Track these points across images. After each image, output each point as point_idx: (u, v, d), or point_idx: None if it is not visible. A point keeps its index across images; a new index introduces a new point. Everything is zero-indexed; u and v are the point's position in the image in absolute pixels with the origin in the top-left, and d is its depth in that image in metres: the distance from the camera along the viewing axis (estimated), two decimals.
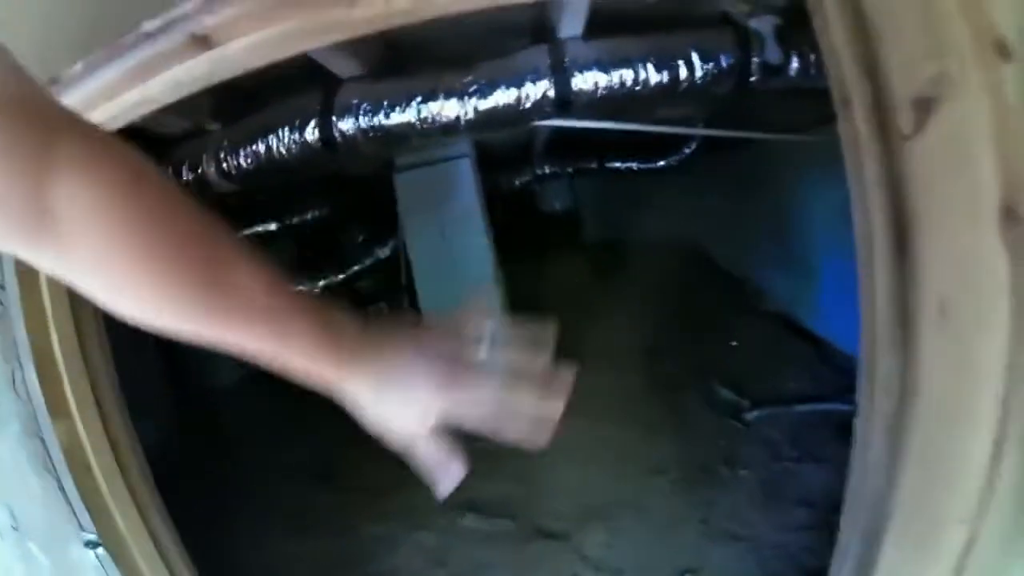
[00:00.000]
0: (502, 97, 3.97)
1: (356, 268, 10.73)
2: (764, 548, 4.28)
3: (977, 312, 1.26)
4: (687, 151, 9.20)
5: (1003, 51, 1.13)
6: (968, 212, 1.23)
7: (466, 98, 3.98)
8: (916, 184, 1.36)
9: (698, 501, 4.87)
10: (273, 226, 10.20)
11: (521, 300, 8.16)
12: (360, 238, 11.26)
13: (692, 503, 4.86)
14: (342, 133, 4.16)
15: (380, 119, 4.07)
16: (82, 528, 2.32)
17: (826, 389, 6.23)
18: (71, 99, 2.01)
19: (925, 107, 1.29)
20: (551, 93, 3.95)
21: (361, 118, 4.09)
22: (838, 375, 6.48)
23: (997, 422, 1.27)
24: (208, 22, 1.83)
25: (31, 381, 2.17)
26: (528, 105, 3.99)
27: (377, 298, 11.27)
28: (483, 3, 1.91)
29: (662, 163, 9.85)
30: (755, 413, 6.08)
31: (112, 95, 2.00)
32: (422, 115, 4.03)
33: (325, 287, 10.63)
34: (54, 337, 2.23)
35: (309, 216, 10.28)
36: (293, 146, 4.30)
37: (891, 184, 1.44)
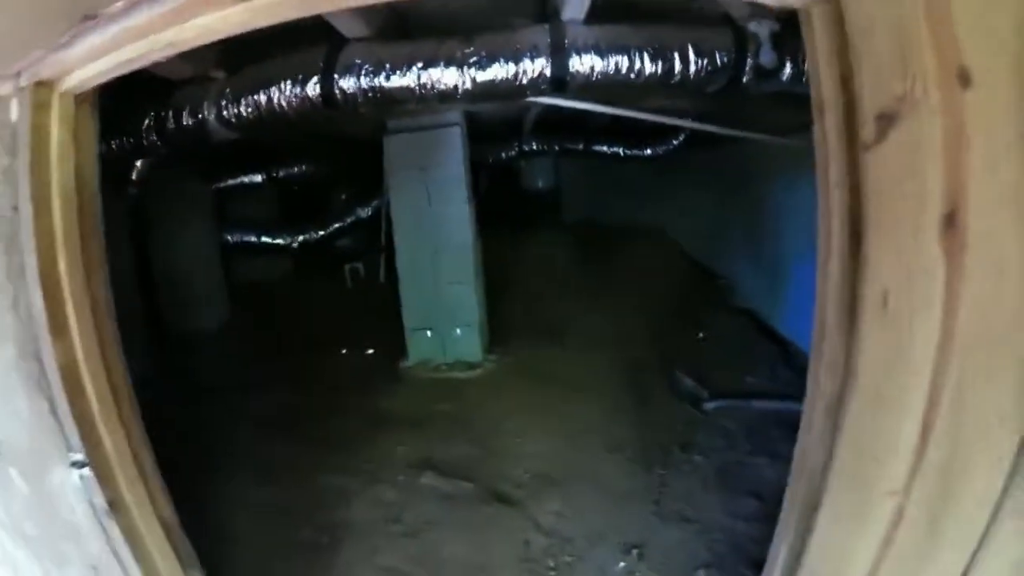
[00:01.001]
0: (500, 71, 4.06)
1: (336, 226, 10.81)
2: (712, 532, 4.38)
3: (913, 307, 1.40)
4: (674, 143, 9.28)
5: (965, 79, 1.27)
6: (914, 217, 1.38)
7: (465, 68, 4.08)
8: (871, 189, 1.50)
9: (652, 481, 5.00)
10: (259, 177, 10.36)
11: (497, 273, 8.46)
12: (343, 197, 11.40)
13: (646, 482, 4.98)
14: (343, 91, 4.24)
15: (381, 81, 4.16)
16: (70, 448, 2.37)
17: (786, 389, 6.36)
18: (106, 35, 2.10)
19: (887, 122, 1.43)
20: (548, 72, 4.05)
21: (363, 78, 4.18)
22: (799, 376, 6.53)
23: (926, 406, 1.42)
24: None
25: (36, 303, 2.25)
26: (525, 81, 4.09)
27: (354, 257, 11.43)
28: None
29: (648, 151, 9.91)
30: (714, 404, 6.20)
31: (146, 34, 2.08)
32: (422, 80, 4.12)
33: (304, 242, 10.72)
34: (62, 262, 2.29)
35: (295, 170, 10.40)
36: (294, 100, 4.37)
37: (851, 186, 1.58)
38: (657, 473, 5.10)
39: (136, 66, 2.26)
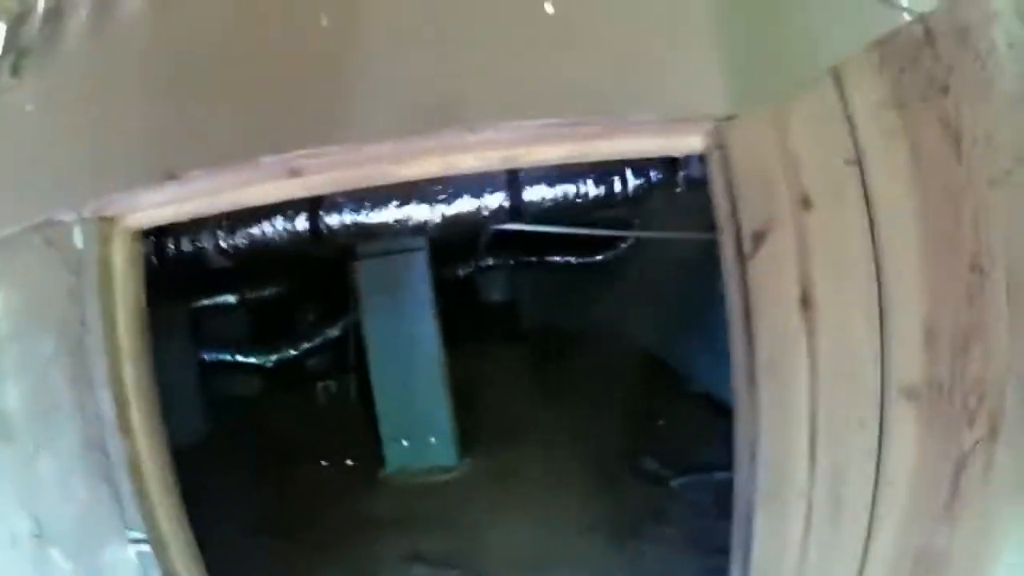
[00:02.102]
0: (465, 205, 4.67)
1: (307, 345, 11.12)
2: None
3: (789, 369, 2.03)
4: (622, 246, 10.04)
5: (806, 203, 1.93)
6: (780, 302, 2.02)
7: (435, 204, 4.68)
8: (753, 285, 2.14)
9: (628, 553, 5.41)
10: (232, 299, 10.82)
11: (462, 385, 8.71)
12: (311, 317, 11.81)
13: (622, 555, 5.39)
14: (328, 226, 4.82)
15: (361, 218, 4.74)
16: (127, 527, 2.72)
17: None
18: (180, 190, 2.59)
19: (760, 238, 2.09)
20: (506, 203, 4.64)
21: (345, 215, 4.75)
22: None
23: (809, 426, 2.02)
24: (303, 163, 2.49)
25: (104, 405, 2.66)
26: (486, 212, 4.69)
27: (325, 375, 11.69)
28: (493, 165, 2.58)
29: (599, 258, 10.64)
30: (679, 480, 6.60)
31: (211, 194, 2.62)
32: (397, 216, 4.70)
33: (278, 360, 11.03)
34: (127, 370, 2.74)
35: (267, 292, 10.96)
36: (285, 233, 4.95)
37: (741, 287, 2.22)
38: (631, 546, 5.50)
39: (192, 218, 2.77)
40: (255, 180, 2.59)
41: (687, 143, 2.45)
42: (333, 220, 4.82)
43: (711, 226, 6.85)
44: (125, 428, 2.75)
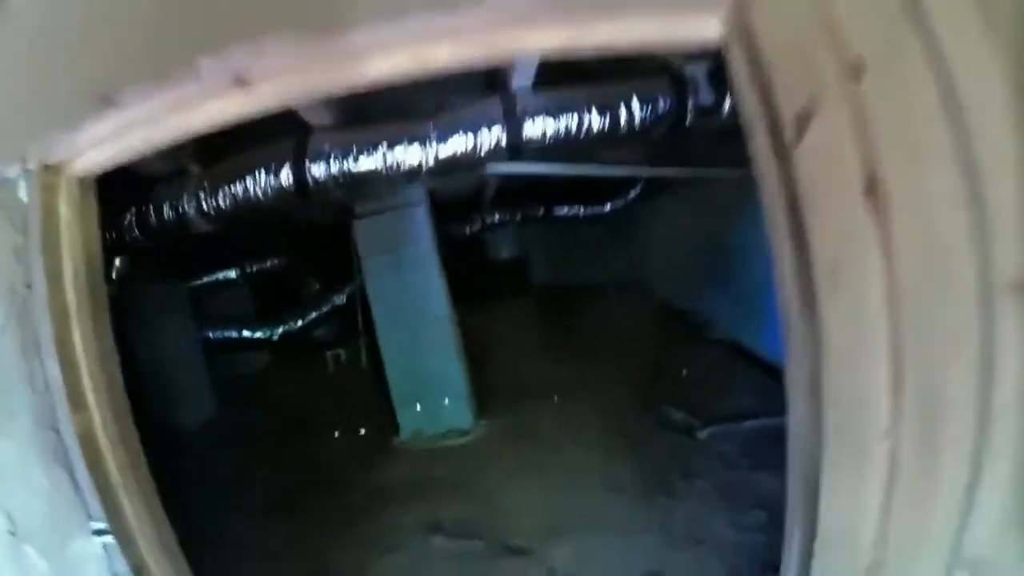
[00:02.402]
0: (460, 143, 4.30)
1: (314, 315, 10.90)
2: (724, 548, 4.51)
3: (858, 267, 1.62)
4: (632, 195, 9.59)
5: (858, 69, 1.52)
6: (840, 192, 1.61)
7: (428, 144, 4.31)
8: (803, 179, 1.73)
9: (657, 511, 5.12)
10: (233, 273, 10.69)
11: (474, 344, 8.51)
12: (316, 287, 11.65)
13: (651, 514, 5.10)
14: (314, 178, 4.47)
15: (349, 164, 4.39)
16: (91, 517, 2.43)
17: (776, 406, 6.37)
18: (119, 119, 2.27)
19: (804, 120, 1.68)
20: (504, 139, 4.29)
21: (332, 163, 4.41)
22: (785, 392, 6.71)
23: (890, 350, 1.61)
24: (249, 67, 2.12)
25: (52, 375, 2.33)
26: (483, 151, 4.33)
27: (334, 345, 11.59)
28: (474, 57, 2.19)
29: (607, 207, 10.20)
30: (707, 431, 6.32)
31: (154, 122, 2.28)
32: (388, 161, 4.35)
33: (285, 332, 10.80)
34: (76, 334, 2.38)
35: (268, 264, 10.78)
36: (269, 189, 4.59)
37: (786, 182, 1.81)
38: (660, 504, 5.21)
39: (139, 154, 2.42)
40: (197, 97, 2.24)
41: (702, 25, 2.04)
42: (319, 170, 4.46)
43: (727, 161, 6.68)
44: (76, 402, 2.41)
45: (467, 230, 11.10)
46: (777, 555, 2.76)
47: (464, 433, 7.52)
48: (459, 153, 4.34)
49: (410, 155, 4.34)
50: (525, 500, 5.70)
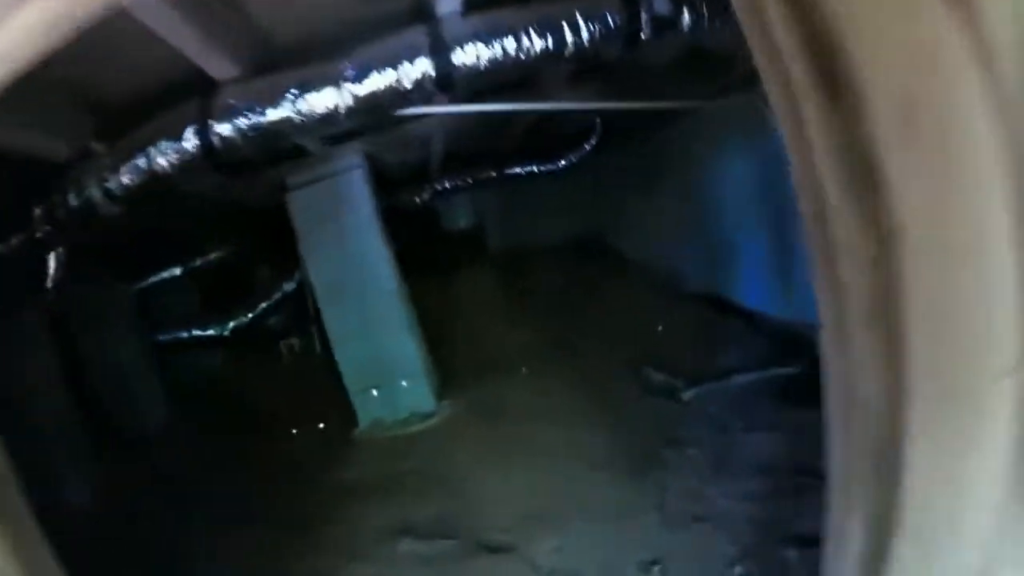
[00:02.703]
0: (380, 80, 3.70)
1: (264, 305, 10.37)
2: (730, 523, 3.99)
3: (943, 100, 0.99)
4: (586, 147, 9.06)
5: None
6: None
7: (342, 84, 3.71)
8: None
9: (648, 489, 4.57)
10: (178, 271, 10.19)
11: (431, 319, 8.04)
12: (266, 275, 11.09)
13: (643, 491, 4.56)
14: (221, 137, 3.87)
15: (257, 118, 3.80)
16: None
17: (761, 358, 6.12)
18: None
19: None
20: (431, 71, 3.69)
21: (238, 119, 3.83)
22: (771, 342, 6.39)
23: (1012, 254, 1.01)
24: None
25: None
26: (408, 85, 3.72)
27: (287, 333, 11.16)
28: None
29: (563, 163, 9.64)
30: (692, 392, 5.86)
31: None
32: (299, 107, 3.76)
33: (236, 327, 10.30)
34: None
35: (212, 257, 10.26)
36: (174, 157, 4.00)
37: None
38: (652, 478, 4.68)
39: None
40: None
41: None
42: (225, 128, 3.87)
43: (691, 95, 6.14)
44: None
45: (417, 199, 10.46)
46: (794, 525, 2.98)
47: (427, 417, 7.01)
48: (380, 90, 3.74)
49: (324, 98, 3.75)
50: (501, 488, 5.17)
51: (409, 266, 7.66)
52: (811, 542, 3.34)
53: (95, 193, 4.29)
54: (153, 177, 4.11)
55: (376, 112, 3.86)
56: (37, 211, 4.60)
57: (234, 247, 10.44)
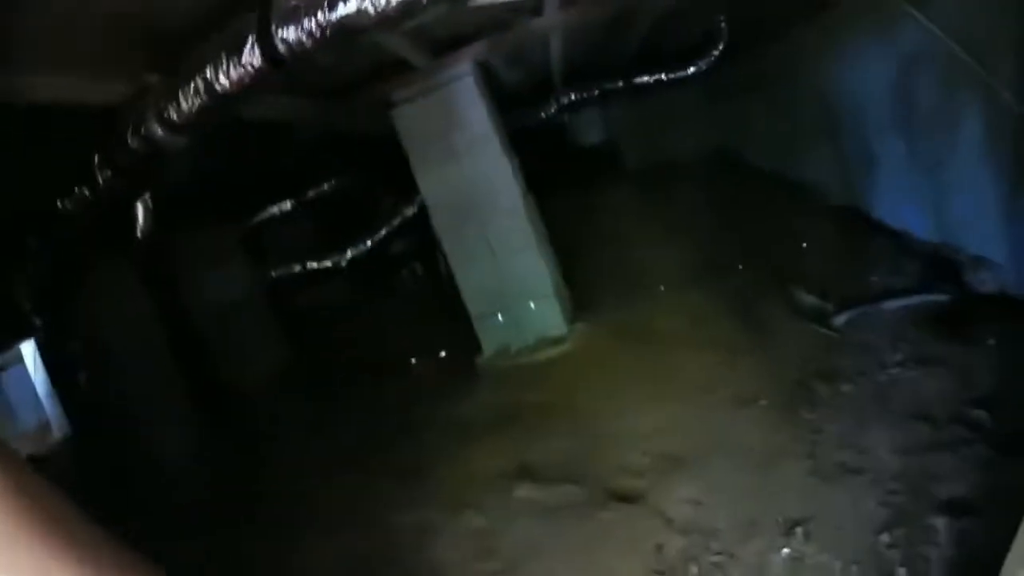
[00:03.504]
0: None
1: (384, 232, 10.29)
2: (885, 479, 3.44)
3: None
4: (714, 54, 8.57)
5: None
6: None
7: None
8: None
9: (800, 431, 4.02)
10: (288, 205, 10.07)
11: (565, 235, 7.62)
12: (387, 202, 10.86)
13: (793, 434, 4.00)
14: (287, 43, 3.36)
15: (325, 14, 3.27)
16: None
17: (911, 281, 5.54)
18: None
19: None
20: None
21: (304, 20, 3.29)
22: (920, 264, 5.76)
23: None
24: None
25: None
26: None
27: (410, 260, 11.11)
28: None
29: (691, 70, 9.13)
30: (844, 317, 5.28)
31: None
32: None
33: (354, 258, 10.27)
34: None
35: (326, 187, 10.02)
36: (234, 72, 3.51)
37: None
38: (803, 419, 4.12)
39: None
40: None
41: None
42: (290, 32, 3.36)
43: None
44: None
45: (542, 114, 10.01)
46: (949, 488, 2.79)
47: (557, 342, 6.53)
48: None
49: None
50: (635, 425, 4.66)
51: (539, 183, 7.21)
52: (962, 510, 3.02)
53: (154, 127, 3.84)
54: (214, 98, 3.65)
55: None
56: (96, 159, 4.26)
57: (349, 176, 10.23)
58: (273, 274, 10.12)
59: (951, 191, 5.33)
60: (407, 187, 9.22)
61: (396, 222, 10.19)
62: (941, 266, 5.44)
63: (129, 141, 3.94)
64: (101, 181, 4.28)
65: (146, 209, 5.63)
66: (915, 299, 5.14)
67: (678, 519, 3.58)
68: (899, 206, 6.48)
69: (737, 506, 3.53)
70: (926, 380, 4.13)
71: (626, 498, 3.91)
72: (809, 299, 5.72)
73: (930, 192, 5.70)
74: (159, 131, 3.83)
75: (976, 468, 3.25)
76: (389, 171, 9.64)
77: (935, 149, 5.35)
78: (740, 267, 6.94)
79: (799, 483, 3.57)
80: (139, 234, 5.80)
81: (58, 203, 4.47)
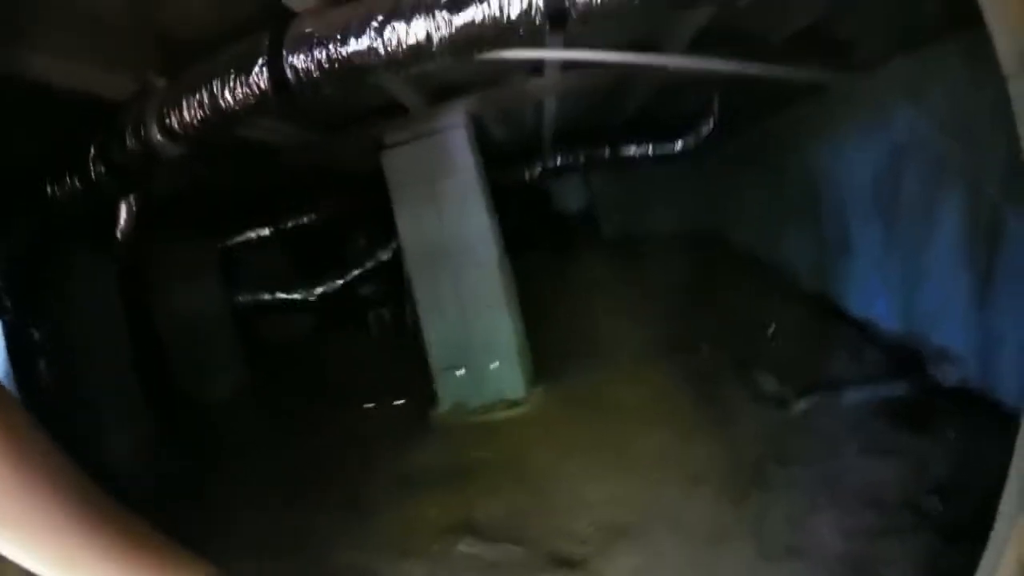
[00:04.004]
0: (480, 10, 3.14)
1: (356, 272, 10.37)
2: (831, 562, 3.45)
3: None
4: (704, 131, 8.64)
5: None
6: None
7: (436, 12, 3.17)
8: None
9: (748, 511, 4.03)
10: (266, 231, 10.04)
11: (533, 299, 7.61)
12: (361, 242, 11.00)
13: (741, 514, 4.02)
14: (295, 69, 3.41)
15: (336, 48, 3.32)
16: None
17: (874, 371, 5.60)
18: None
19: None
20: (541, 1, 3.13)
21: (315, 49, 3.35)
22: (885, 354, 5.85)
23: None
24: None
25: None
26: (514, 15, 3.15)
27: (379, 304, 10.96)
28: None
29: (679, 146, 9.27)
30: (803, 403, 5.31)
31: None
32: (386, 36, 3.23)
33: (324, 293, 10.34)
34: None
35: (305, 219, 10.00)
36: (239, 91, 3.55)
37: None
38: (753, 500, 4.13)
39: None
40: None
41: None
42: (300, 60, 3.42)
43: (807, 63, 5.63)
44: None
45: (526, 175, 10.13)
46: (899, 572, 2.84)
47: (514, 404, 6.52)
48: (480, 20, 3.18)
49: (414, 28, 3.23)
50: (583, 492, 4.66)
51: (515, 244, 7.26)
52: None
53: (154, 131, 3.89)
54: (217, 113, 3.68)
55: (473, 46, 3.33)
56: (92, 151, 4.27)
57: (330, 211, 10.19)
58: (242, 298, 10.17)
59: (922, 281, 5.44)
60: (384, 230, 9.29)
61: (369, 264, 10.25)
62: (905, 357, 5.52)
63: (127, 140, 4.01)
64: (93, 174, 4.31)
65: (129, 210, 5.63)
66: (876, 390, 5.20)
67: None
68: (869, 294, 6.58)
69: None
70: (880, 468, 4.16)
71: (568, 563, 3.89)
72: (770, 382, 5.75)
73: (901, 281, 5.81)
74: (157, 136, 3.89)
75: (923, 554, 3.27)
76: (369, 212, 9.71)
77: (912, 238, 5.48)
78: (705, 346, 6.96)
79: (744, 562, 3.57)
80: (119, 234, 5.80)
81: (47, 188, 4.47)
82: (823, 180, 7.37)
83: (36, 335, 5.65)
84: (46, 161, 4.41)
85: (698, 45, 4.73)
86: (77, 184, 4.38)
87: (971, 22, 1.65)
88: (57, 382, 5.83)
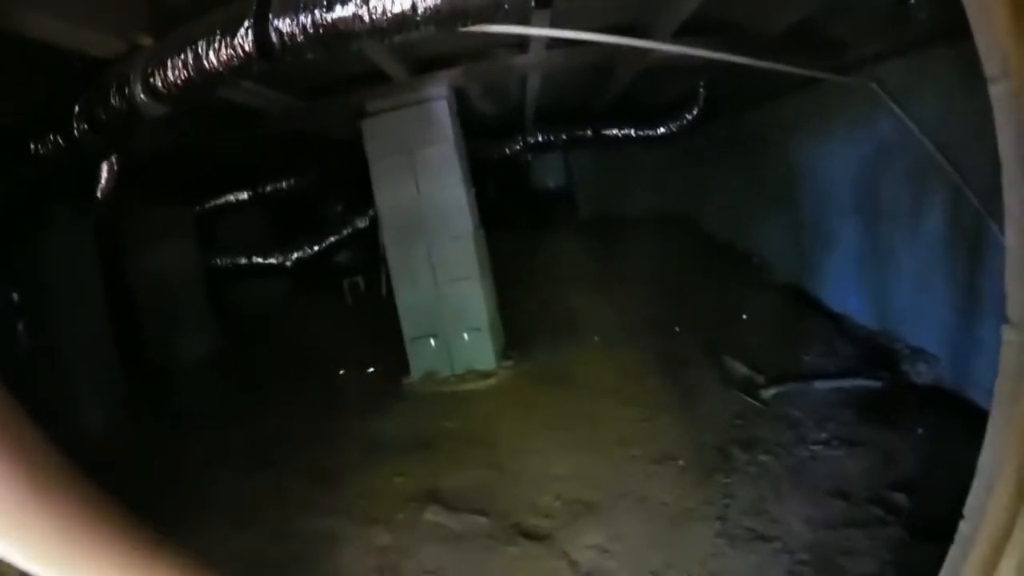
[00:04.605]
0: None
1: (332, 239, 10.29)
2: (794, 549, 3.50)
3: None
4: (687, 118, 8.63)
5: None
6: None
7: None
8: None
9: (713, 493, 4.07)
10: (245, 195, 9.91)
11: (508, 272, 7.69)
12: (339, 208, 10.99)
13: (706, 496, 4.06)
14: (280, 33, 3.40)
15: (322, 13, 3.31)
16: None
17: (846, 364, 5.66)
18: None
19: None
20: None
21: (302, 14, 3.34)
22: (857, 349, 5.92)
23: None
24: None
25: None
26: None
27: (354, 271, 10.88)
28: None
29: (660, 130, 9.21)
30: (773, 390, 5.36)
31: None
32: (371, 4, 3.22)
33: (299, 259, 10.25)
34: None
35: (283, 185, 9.89)
36: (224, 53, 3.54)
37: None
38: (718, 483, 4.18)
39: None
40: None
41: None
42: (285, 24, 3.41)
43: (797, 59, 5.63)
44: None
45: (507, 150, 10.03)
46: (858, 563, 2.84)
47: (485, 376, 6.51)
48: None
49: None
50: (550, 467, 4.68)
51: (492, 218, 7.24)
52: None
53: (138, 90, 3.86)
54: (201, 74, 3.68)
55: (458, 16, 3.32)
56: (76, 108, 4.23)
57: (309, 177, 10.11)
58: (219, 261, 10.10)
59: (899, 280, 5.50)
60: (362, 198, 9.23)
61: (346, 232, 10.20)
62: (878, 353, 5.58)
63: (111, 98, 3.98)
64: (77, 132, 4.26)
65: (111, 170, 5.56)
66: (848, 382, 5.27)
67: (582, 563, 3.60)
68: (844, 290, 6.65)
69: (642, 558, 3.56)
70: (848, 460, 4.22)
71: (533, 536, 3.92)
72: (741, 368, 5.79)
73: (877, 279, 5.88)
74: (141, 95, 3.86)
75: (889, 548, 3.32)
76: (347, 179, 9.66)
77: (891, 238, 5.53)
78: (677, 329, 6.98)
79: (707, 543, 3.61)
80: (99, 194, 5.75)
81: (30, 145, 4.42)
82: (805, 174, 7.40)
83: (16, 297, 5.63)
84: (29, 119, 4.35)
85: (685, 32, 4.73)
86: (60, 142, 4.33)
87: (964, 32, 1.67)
88: (34, 341, 5.81)
